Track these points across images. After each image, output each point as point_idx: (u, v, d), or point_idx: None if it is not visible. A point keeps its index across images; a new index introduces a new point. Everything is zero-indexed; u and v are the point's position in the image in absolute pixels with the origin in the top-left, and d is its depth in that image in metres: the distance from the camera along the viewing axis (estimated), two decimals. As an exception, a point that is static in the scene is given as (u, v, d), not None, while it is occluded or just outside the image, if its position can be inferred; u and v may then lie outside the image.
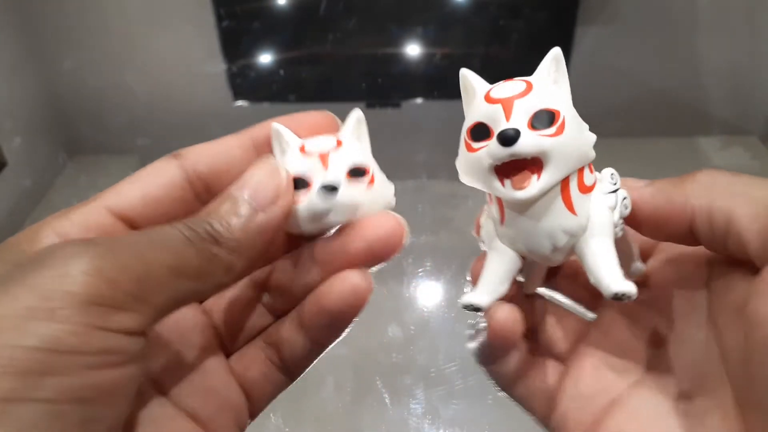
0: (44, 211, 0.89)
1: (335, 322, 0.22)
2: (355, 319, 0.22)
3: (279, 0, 0.89)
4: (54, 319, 0.16)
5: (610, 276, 0.20)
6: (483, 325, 0.23)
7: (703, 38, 0.92)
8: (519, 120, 0.20)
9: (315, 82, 0.93)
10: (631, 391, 0.23)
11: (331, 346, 0.24)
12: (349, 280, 0.22)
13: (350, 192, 0.22)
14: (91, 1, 0.91)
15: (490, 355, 0.24)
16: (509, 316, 0.22)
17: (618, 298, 0.20)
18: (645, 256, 0.25)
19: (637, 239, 0.24)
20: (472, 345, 0.24)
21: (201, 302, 0.25)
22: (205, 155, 0.23)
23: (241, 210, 0.20)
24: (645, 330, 0.24)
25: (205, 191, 0.22)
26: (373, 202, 0.23)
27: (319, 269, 0.23)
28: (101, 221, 0.21)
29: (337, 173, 0.22)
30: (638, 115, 0.97)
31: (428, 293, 0.72)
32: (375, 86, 0.93)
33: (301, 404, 0.60)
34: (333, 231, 0.24)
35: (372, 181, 0.23)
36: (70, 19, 0.92)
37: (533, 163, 0.20)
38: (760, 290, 0.19)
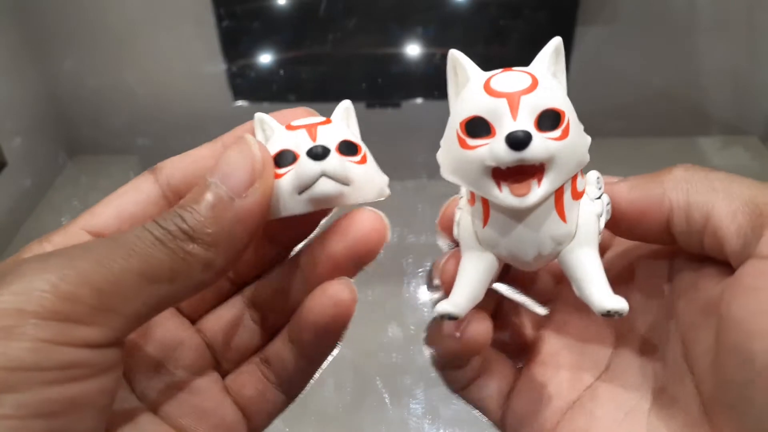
0: (44, 211, 0.89)
1: (322, 336, 0.21)
2: (344, 332, 0.21)
3: (279, 0, 0.89)
4: (11, 337, 0.15)
5: (600, 292, 0.19)
6: (450, 332, 0.22)
7: (703, 38, 0.91)
8: (526, 120, 0.18)
9: (315, 82, 0.93)
10: (590, 393, 0.22)
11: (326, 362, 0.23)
12: (330, 292, 0.21)
13: (340, 161, 0.20)
14: (91, 1, 0.91)
15: (452, 361, 0.23)
16: (482, 328, 0.21)
17: (610, 315, 0.19)
18: (602, 250, 0.25)
19: None
20: (429, 349, 0.23)
21: (195, 316, 0.24)
22: (177, 167, 0.22)
23: (215, 198, 0.19)
24: (603, 328, 0.23)
25: None
26: (366, 182, 0.21)
27: (304, 280, 0.22)
28: (80, 242, 0.20)
29: (325, 142, 0.20)
30: (638, 115, 0.97)
31: (428, 293, 0.72)
32: (375, 86, 0.93)
33: (301, 404, 0.59)
34: (314, 234, 0.24)
35: (365, 160, 0.21)
36: (70, 19, 0.92)
37: (535, 168, 0.18)
38: (735, 291, 0.18)
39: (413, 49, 0.89)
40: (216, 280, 0.19)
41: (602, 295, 0.19)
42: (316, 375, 0.24)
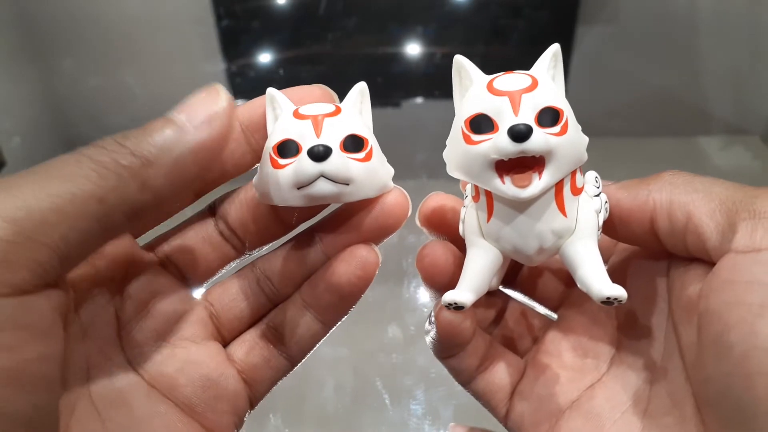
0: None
1: (344, 297, 0.22)
2: (362, 296, 0.22)
3: None
4: None
5: (599, 280, 0.20)
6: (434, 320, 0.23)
7: (704, 38, 0.91)
8: (527, 115, 0.19)
9: (315, 81, 0.93)
10: (590, 393, 0.23)
11: (333, 333, 0.24)
12: (358, 254, 0.22)
13: (342, 161, 0.20)
14: (91, 1, 0.91)
15: (443, 350, 0.24)
16: (454, 315, 0.22)
17: (609, 302, 0.19)
18: (604, 257, 0.25)
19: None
20: (429, 338, 0.24)
21: (199, 284, 0.24)
22: None
23: (169, 126, 0.18)
24: (606, 331, 0.24)
25: None
26: (368, 179, 0.21)
27: (321, 249, 0.23)
28: None
29: (329, 138, 0.20)
30: (638, 115, 0.97)
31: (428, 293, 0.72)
32: (375, 86, 0.93)
33: (300, 405, 0.59)
34: (321, 215, 0.24)
35: (369, 156, 0.21)
36: (70, 18, 0.92)
37: (535, 162, 0.19)
38: (713, 285, 0.19)
39: (413, 49, 0.89)
40: (156, 205, 0.17)
41: (601, 283, 0.20)
42: (323, 340, 0.24)
